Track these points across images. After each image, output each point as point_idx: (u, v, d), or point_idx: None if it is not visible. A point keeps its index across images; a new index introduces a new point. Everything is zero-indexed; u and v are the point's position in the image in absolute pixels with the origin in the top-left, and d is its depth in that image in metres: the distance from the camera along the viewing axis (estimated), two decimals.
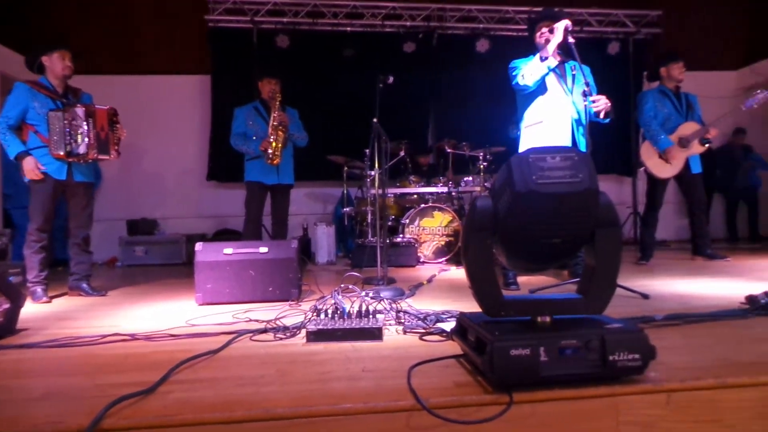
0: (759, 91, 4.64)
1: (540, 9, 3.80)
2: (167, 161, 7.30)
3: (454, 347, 1.92)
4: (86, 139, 3.62)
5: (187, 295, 3.61)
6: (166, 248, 6.56)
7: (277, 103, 4.56)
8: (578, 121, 3.42)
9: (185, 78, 7.33)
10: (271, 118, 4.55)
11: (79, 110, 3.62)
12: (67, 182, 3.70)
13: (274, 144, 4.54)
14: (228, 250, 3.32)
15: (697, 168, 4.80)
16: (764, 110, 5.06)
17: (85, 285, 3.81)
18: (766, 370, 1.59)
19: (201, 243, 3.37)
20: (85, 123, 3.62)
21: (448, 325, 2.23)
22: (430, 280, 4.18)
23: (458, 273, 4.73)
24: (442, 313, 2.52)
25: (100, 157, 3.73)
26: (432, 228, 5.67)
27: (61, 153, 3.57)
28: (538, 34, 3.50)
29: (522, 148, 3.53)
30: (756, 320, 2.33)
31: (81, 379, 1.77)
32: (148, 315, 2.98)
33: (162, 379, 1.66)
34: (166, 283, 4.58)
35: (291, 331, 2.32)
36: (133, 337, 2.32)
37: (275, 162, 4.57)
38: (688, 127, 4.74)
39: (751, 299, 2.58)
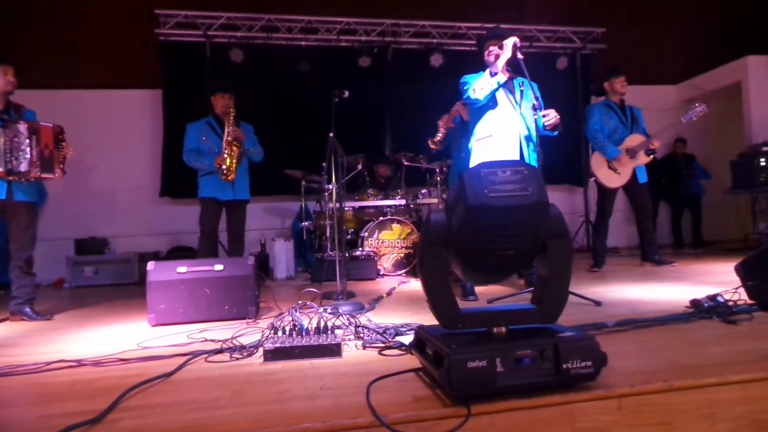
0: (697, 104, 4.89)
1: (490, 26, 3.91)
2: (118, 178, 7.07)
3: (413, 361, 1.92)
4: (28, 157, 3.47)
5: (139, 317, 3.48)
6: (118, 267, 6.33)
7: (231, 118, 4.50)
8: (528, 137, 3.51)
9: (135, 92, 7.14)
10: (225, 133, 4.48)
11: (22, 127, 3.47)
12: (7, 201, 3.53)
13: (228, 159, 4.47)
14: (182, 269, 3.23)
15: (643, 178, 5.00)
16: (703, 122, 5.33)
17: (28, 309, 3.62)
18: (709, 372, 1.66)
19: (153, 262, 3.27)
20: (28, 140, 3.47)
21: (408, 339, 2.23)
22: (389, 293, 4.19)
23: (418, 285, 4.75)
24: (402, 327, 2.52)
25: (44, 175, 3.57)
26: (391, 240, 5.69)
27: (0, 170, 3.41)
28: (486, 52, 3.59)
29: (473, 161, 3.60)
30: (699, 323, 2.43)
31: (23, 409, 1.68)
32: (97, 339, 2.86)
33: (110, 407, 1.59)
34: (117, 304, 4.41)
35: (248, 350, 2.27)
36: (80, 363, 2.22)
37: (230, 178, 4.50)
38: (634, 139, 4.95)
39: (695, 303, 2.69)
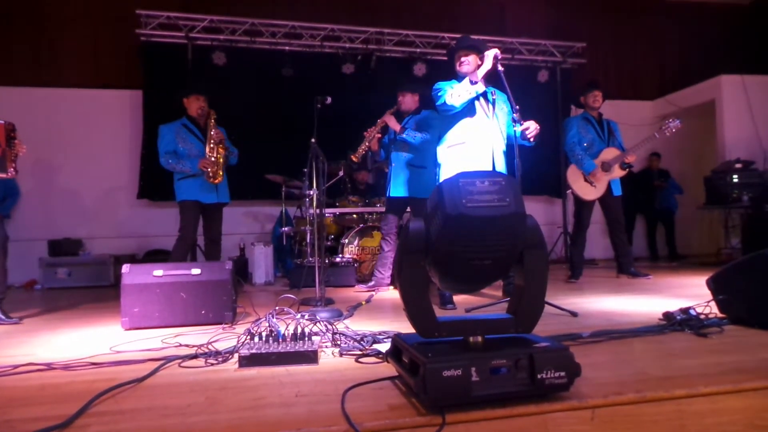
0: (671, 120, 5.00)
1: (474, 37, 3.96)
2: (94, 178, 6.95)
3: (390, 369, 1.92)
4: None
5: (112, 320, 3.43)
6: (92, 270, 6.20)
7: (213, 120, 4.46)
8: (509, 148, 3.56)
9: (115, 93, 7.04)
10: (209, 135, 4.45)
11: None
12: None
13: (215, 162, 4.44)
14: (158, 272, 3.19)
15: (618, 191, 5.10)
16: (678, 138, 5.45)
17: None
18: (681, 384, 1.69)
19: (128, 264, 3.22)
20: None
21: (385, 347, 2.23)
22: (368, 300, 4.18)
23: (396, 292, 4.76)
24: (379, 334, 2.52)
25: None
26: (371, 248, 5.68)
27: None
28: (458, 62, 3.63)
29: (444, 167, 3.62)
30: (672, 336, 2.48)
31: None
32: (68, 342, 2.80)
33: (79, 412, 1.56)
34: (90, 307, 4.32)
35: (223, 355, 2.25)
36: (50, 367, 2.17)
37: (217, 180, 4.46)
38: (610, 153, 5.04)
39: (667, 316, 2.74)
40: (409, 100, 4.78)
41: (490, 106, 3.58)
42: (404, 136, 4.56)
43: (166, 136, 4.52)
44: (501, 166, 3.55)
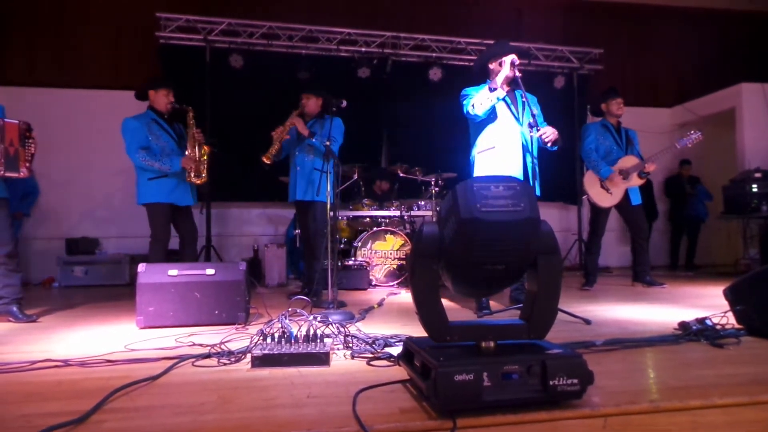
0: (692, 131, 4.95)
1: (490, 42, 3.95)
2: (112, 178, 7.03)
3: (401, 372, 1.92)
4: None
5: (127, 318, 3.47)
6: (108, 268, 6.29)
7: (192, 118, 4.33)
8: (530, 150, 3.55)
9: (133, 94, 7.14)
10: (190, 134, 4.31)
11: None
12: None
13: (199, 160, 4.30)
14: (173, 272, 3.22)
15: (637, 200, 5.05)
16: (696, 147, 5.38)
17: (14, 309, 3.54)
18: (695, 394, 1.67)
19: (144, 264, 3.26)
20: None
21: (397, 350, 2.23)
22: (380, 304, 4.18)
23: (409, 296, 4.75)
24: (391, 338, 2.52)
25: (8, 174, 3.44)
26: (384, 251, 5.69)
27: None
28: (492, 64, 3.62)
29: (476, 173, 3.63)
30: (687, 346, 2.44)
31: (5, 408, 1.66)
32: (83, 339, 2.84)
33: (95, 408, 1.58)
34: (105, 305, 4.38)
35: (236, 355, 2.27)
36: (66, 363, 2.20)
37: (201, 180, 4.30)
38: (628, 161, 4.99)
39: (683, 325, 2.71)
40: (313, 104, 4.54)
41: (520, 109, 3.57)
42: (314, 141, 4.34)
43: (139, 130, 4.23)
44: (531, 170, 3.53)
